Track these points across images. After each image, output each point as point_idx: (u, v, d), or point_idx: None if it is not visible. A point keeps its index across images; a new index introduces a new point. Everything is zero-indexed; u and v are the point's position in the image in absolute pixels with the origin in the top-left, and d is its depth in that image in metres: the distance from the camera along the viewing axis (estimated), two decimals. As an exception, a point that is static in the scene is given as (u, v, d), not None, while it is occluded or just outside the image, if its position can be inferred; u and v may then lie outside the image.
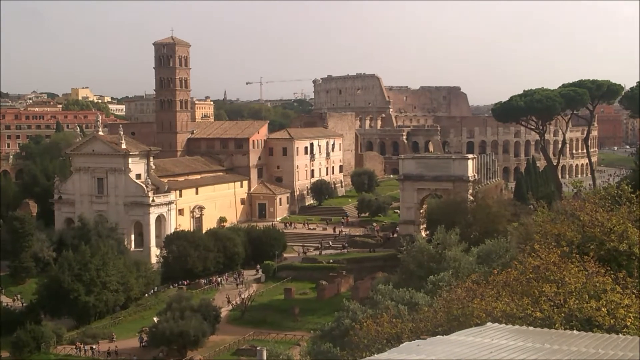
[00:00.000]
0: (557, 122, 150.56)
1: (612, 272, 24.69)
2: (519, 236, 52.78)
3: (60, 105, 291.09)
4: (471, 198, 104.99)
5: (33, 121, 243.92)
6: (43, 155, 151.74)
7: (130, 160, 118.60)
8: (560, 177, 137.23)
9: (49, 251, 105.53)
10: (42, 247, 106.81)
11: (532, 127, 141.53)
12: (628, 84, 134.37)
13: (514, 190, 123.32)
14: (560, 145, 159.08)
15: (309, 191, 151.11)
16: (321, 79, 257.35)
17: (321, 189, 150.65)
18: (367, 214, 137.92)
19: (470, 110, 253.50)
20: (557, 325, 19.07)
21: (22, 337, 79.41)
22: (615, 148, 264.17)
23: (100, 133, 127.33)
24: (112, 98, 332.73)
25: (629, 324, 19.71)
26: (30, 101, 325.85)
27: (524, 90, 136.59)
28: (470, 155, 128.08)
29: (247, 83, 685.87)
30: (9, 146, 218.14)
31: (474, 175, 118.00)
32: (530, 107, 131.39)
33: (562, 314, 21.28)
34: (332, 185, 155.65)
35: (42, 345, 79.60)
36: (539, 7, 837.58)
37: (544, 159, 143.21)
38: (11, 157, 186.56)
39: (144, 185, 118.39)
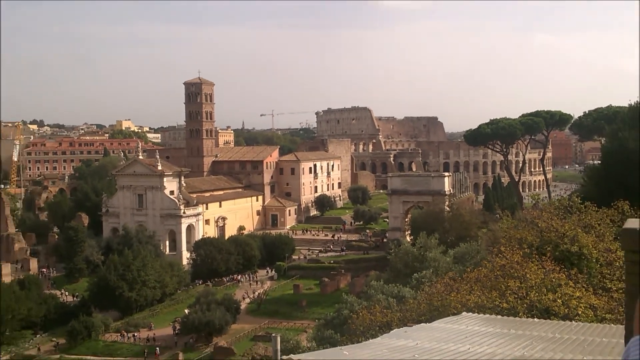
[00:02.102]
0: (518, 145, 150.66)
1: (565, 269, 24.74)
2: (487, 240, 52.70)
3: (107, 135, 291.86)
4: (447, 209, 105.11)
5: (85, 148, 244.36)
6: (93, 176, 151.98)
7: (165, 179, 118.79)
8: (521, 191, 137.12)
9: (98, 255, 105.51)
10: (92, 252, 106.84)
11: (497, 149, 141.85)
12: (577, 113, 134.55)
13: (483, 202, 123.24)
14: (520, 165, 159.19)
15: (313, 204, 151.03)
16: (322, 111, 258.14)
17: (323, 202, 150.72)
18: (361, 222, 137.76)
19: (446, 136, 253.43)
20: (520, 314, 19.06)
21: (76, 327, 79.49)
22: (567, 167, 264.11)
23: (140, 157, 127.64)
24: (149, 128, 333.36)
25: (580, 312, 19.76)
26: (82, 131, 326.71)
27: (490, 120, 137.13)
28: (446, 174, 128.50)
29: (261, 115, 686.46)
30: (65, 168, 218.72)
31: (450, 190, 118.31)
32: (496, 134, 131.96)
33: (525, 305, 21.27)
34: (332, 199, 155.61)
35: (92, 333, 79.67)
36: (503, 49, 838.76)
37: (507, 176, 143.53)
38: (67, 177, 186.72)
39: (176, 200, 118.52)
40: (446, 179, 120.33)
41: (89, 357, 75.44)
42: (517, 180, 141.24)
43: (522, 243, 29.77)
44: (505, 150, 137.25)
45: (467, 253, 59.38)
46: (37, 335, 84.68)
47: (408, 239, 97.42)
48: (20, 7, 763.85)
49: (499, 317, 16.22)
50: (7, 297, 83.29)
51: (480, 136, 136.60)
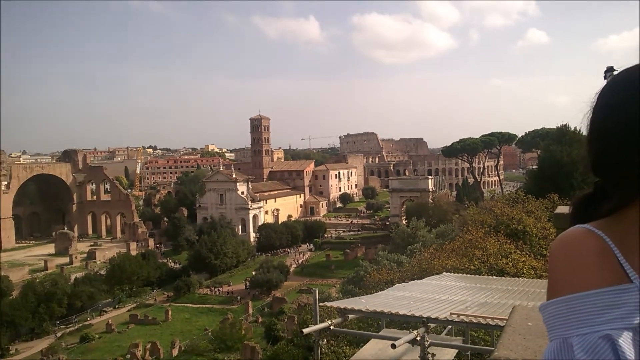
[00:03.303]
0: (479, 156, 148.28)
1: (514, 242, 24.46)
2: (459, 222, 51.99)
3: (199, 154, 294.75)
4: (431, 201, 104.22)
5: (184, 164, 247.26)
6: (190, 183, 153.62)
7: (237, 184, 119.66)
8: (482, 188, 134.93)
9: (194, 236, 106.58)
10: (190, 234, 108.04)
11: (465, 160, 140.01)
12: (520, 133, 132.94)
13: (455, 196, 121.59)
14: (481, 170, 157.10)
15: (338, 199, 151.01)
16: (343, 135, 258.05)
17: (345, 198, 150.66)
18: (371, 211, 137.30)
19: (429, 151, 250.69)
20: (483, 274, 18.79)
21: (179, 284, 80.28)
22: (514, 170, 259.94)
23: (221, 169, 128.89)
24: (227, 149, 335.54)
25: (525, 272, 19.46)
26: (182, 152, 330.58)
27: (460, 139, 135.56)
28: (429, 177, 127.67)
29: (302, 139, 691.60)
30: (171, 178, 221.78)
31: (432, 188, 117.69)
32: (463, 149, 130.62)
33: (486, 267, 20.99)
34: (351, 196, 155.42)
35: (190, 289, 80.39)
36: (467, 89, 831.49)
37: (472, 178, 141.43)
38: (172, 184, 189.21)
39: (245, 198, 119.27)
40: (430, 181, 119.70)
41: (188, 305, 76.09)
42: (479, 180, 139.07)
43: (484, 224, 29.43)
44: (470, 160, 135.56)
45: (445, 231, 58.62)
46: (154, 290, 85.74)
47: (404, 222, 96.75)
48: (131, 67, 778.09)
49: (469, 275, 16.03)
50: (134, 264, 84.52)
51: (453, 150, 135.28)
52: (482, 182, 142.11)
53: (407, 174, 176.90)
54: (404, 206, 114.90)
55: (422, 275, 20.91)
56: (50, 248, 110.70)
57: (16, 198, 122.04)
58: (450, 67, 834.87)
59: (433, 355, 6.88)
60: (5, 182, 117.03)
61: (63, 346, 61.32)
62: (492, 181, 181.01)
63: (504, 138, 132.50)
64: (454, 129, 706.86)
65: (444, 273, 15.82)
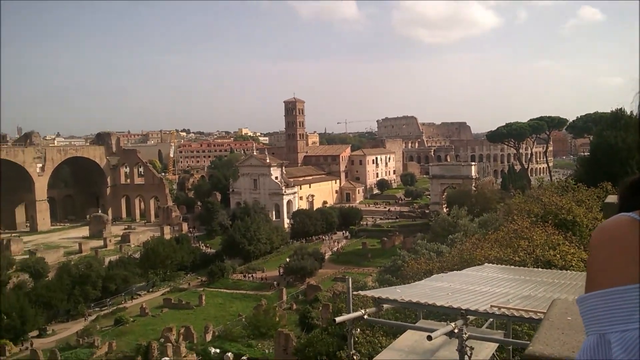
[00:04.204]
0: (527, 142, 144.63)
1: (563, 233, 23.93)
2: (504, 211, 51.08)
3: (232, 138, 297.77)
4: (474, 188, 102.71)
5: (217, 147, 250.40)
6: (223, 167, 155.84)
7: (271, 169, 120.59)
8: (529, 175, 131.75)
9: (227, 221, 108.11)
10: (223, 218, 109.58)
11: (511, 145, 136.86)
12: (571, 117, 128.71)
13: (501, 184, 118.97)
14: (529, 156, 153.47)
15: (375, 185, 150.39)
16: (381, 119, 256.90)
17: (382, 184, 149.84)
18: (410, 198, 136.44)
19: (472, 136, 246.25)
20: (528, 265, 18.50)
21: (213, 269, 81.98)
22: (564, 157, 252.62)
23: (254, 154, 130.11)
24: (261, 133, 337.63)
25: (574, 264, 19.04)
26: (216, 136, 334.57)
27: (506, 123, 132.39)
28: (472, 163, 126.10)
29: (338, 123, 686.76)
30: (204, 162, 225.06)
31: (475, 175, 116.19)
32: (510, 133, 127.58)
33: (532, 259, 20.65)
34: (389, 182, 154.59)
35: (224, 274, 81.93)
36: (515, 71, 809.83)
37: (519, 165, 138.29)
38: (206, 168, 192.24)
39: (279, 183, 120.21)
40: (473, 167, 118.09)
41: (222, 290, 77.65)
42: (526, 167, 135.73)
43: (530, 213, 28.88)
44: (517, 145, 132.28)
45: (488, 220, 57.81)
46: (187, 275, 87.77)
47: (444, 210, 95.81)
48: (173, 55, 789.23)
49: (512, 267, 15.81)
50: (168, 249, 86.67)
51: (498, 135, 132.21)
52: (529, 169, 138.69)
53: (448, 159, 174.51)
54: (445, 194, 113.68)
55: (463, 265, 20.72)
56: (84, 231, 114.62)
57: (51, 181, 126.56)
58: (495, 47, 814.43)
59: (471, 348, 6.87)
60: (40, 165, 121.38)
61: (98, 328, 63.76)
62: (540, 168, 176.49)
63: (554, 122, 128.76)
64: (500, 112, 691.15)
65: (486, 264, 15.65)
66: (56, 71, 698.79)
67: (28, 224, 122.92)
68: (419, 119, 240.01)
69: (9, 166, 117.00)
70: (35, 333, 65.65)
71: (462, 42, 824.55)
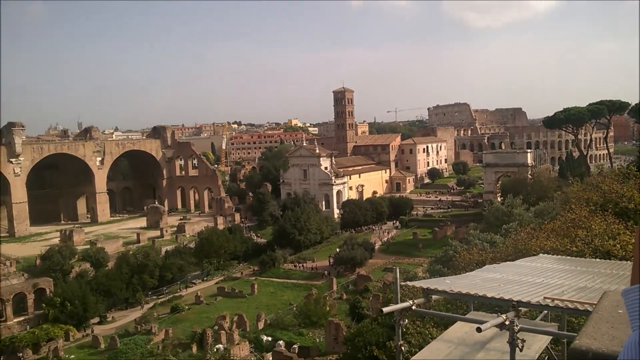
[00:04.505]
0: (586, 127, 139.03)
1: (623, 221, 22.89)
2: (561, 200, 49.37)
3: (282, 129, 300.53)
4: (529, 177, 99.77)
5: (267, 139, 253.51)
6: (273, 158, 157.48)
7: (321, 159, 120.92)
8: (588, 162, 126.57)
9: (278, 211, 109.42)
10: (274, 209, 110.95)
11: (569, 131, 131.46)
12: (634, 101, 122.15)
13: (558, 171, 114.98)
14: (588, 142, 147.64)
15: (426, 174, 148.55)
16: (432, 107, 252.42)
17: (433, 173, 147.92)
18: (462, 187, 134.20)
19: (528, 122, 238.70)
20: (586, 256, 17.79)
21: (264, 259, 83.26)
22: (626, 143, 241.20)
23: (304, 144, 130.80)
24: (310, 123, 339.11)
25: (635, 255, 18.16)
26: (266, 127, 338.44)
27: (564, 108, 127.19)
28: (528, 150, 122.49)
29: (387, 111, 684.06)
30: (255, 153, 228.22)
31: (531, 163, 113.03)
32: (568, 119, 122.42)
33: (590, 249, 19.89)
34: (440, 171, 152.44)
35: (275, 263, 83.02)
36: (571, 54, 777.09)
37: (577, 151, 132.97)
38: (257, 159, 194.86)
39: (329, 173, 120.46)
40: (528, 154, 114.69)
41: (273, 279, 78.82)
42: (585, 154, 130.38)
43: (589, 202, 27.84)
44: (575, 131, 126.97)
45: (545, 210, 56.13)
46: (240, 264, 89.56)
47: (498, 199, 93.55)
48: (219, 50, 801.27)
49: (569, 257, 15.24)
50: (221, 239, 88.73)
51: (556, 121, 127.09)
52: (588, 156, 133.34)
53: (503, 147, 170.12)
54: (499, 182, 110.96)
55: (518, 256, 20.17)
56: (142, 221, 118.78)
57: (110, 173, 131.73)
58: (551, 29, 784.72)
59: (523, 341, 6.66)
60: (100, 158, 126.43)
61: (155, 316, 66.15)
62: (600, 155, 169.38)
63: (615, 107, 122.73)
64: (557, 97, 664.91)
65: (540, 255, 15.16)
66: (115, 68, 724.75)
67: (89, 215, 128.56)
68: (471, 106, 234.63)
69: (70, 160, 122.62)
70: (96, 320, 68.83)
71: (516, 24, 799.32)
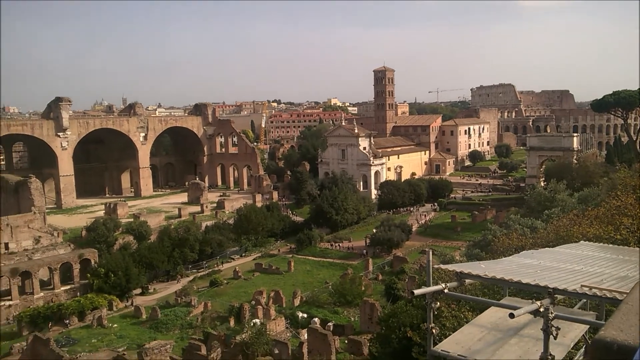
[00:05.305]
0: (636, 111, 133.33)
1: (672, 210, 22.02)
2: (607, 186, 47.89)
3: (321, 108, 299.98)
4: (575, 161, 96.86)
5: (307, 118, 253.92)
6: (312, 137, 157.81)
7: (359, 139, 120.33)
8: (638, 148, 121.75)
9: (315, 190, 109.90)
10: (312, 188, 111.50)
11: (618, 115, 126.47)
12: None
13: (605, 157, 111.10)
14: (638, 127, 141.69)
15: (467, 157, 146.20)
16: (476, 87, 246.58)
17: (474, 156, 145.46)
18: (504, 171, 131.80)
19: (575, 105, 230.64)
20: (631, 245, 17.24)
21: (301, 237, 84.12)
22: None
23: (343, 124, 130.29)
24: (349, 103, 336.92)
25: (683, 245, 17.50)
26: (305, 106, 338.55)
27: (613, 91, 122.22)
28: (575, 134, 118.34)
29: (429, 92, 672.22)
30: (294, 132, 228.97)
31: (577, 147, 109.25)
32: (617, 102, 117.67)
33: (635, 237, 19.26)
34: (482, 153, 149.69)
35: (312, 242, 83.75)
36: (620, 36, 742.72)
37: (626, 136, 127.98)
38: (295, 138, 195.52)
39: (367, 154, 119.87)
40: (575, 138, 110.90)
41: (310, 257, 79.58)
42: (634, 139, 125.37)
43: (636, 189, 26.82)
44: (625, 115, 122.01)
45: (589, 196, 54.67)
46: (277, 241, 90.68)
47: (541, 184, 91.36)
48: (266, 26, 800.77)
49: (611, 245, 14.80)
50: (259, 216, 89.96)
51: (604, 104, 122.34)
52: (637, 142, 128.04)
53: (548, 130, 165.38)
54: (543, 166, 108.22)
55: (558, 242, 19.75)
56: (183, 197, 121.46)
57: (153, 149, 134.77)
58: (603, 10, 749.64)
59: (557, 329, 6.55)
60: (143, 134, 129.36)
61: (194, 289, 67.97)
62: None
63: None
64: (607, 80, 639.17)
65: (582, 242, 14.79)
66: (161, 44, 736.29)
67: (132, 190, 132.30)
68: (516, 87, 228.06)
69: (115, 135, 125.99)
70: (138, 291, 71.22)
71: (566, 4, 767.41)
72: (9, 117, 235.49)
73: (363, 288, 56.17)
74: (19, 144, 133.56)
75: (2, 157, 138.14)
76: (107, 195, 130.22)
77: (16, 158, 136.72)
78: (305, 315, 53.74)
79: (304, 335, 45.37)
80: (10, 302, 65.62)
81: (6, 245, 72.74)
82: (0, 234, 72.97)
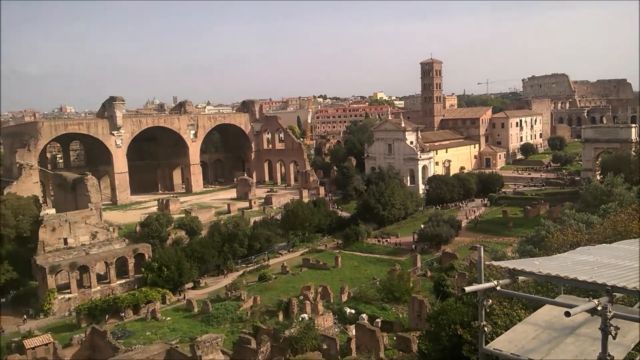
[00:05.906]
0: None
1: None
2: (668, 179, 45.72)
3: (367, 103, 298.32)
4: (633, 154, 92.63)
5: (353, 112, 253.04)
6: (358, 132, 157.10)
7: (406, 133, 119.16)
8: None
9: (362, 185, 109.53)
10: (358, 183, 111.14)
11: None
12: None
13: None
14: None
15: (519, 150, 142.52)
16: (527, 78, 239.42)
17: (527, 149, 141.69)
18: (558, 164, 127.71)
19: (634, 94, 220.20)
20: (695, 241, 16.39)
21: (348, 232, 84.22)
22: None
23: (389, 118, 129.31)
24: (396, 97, 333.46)
25: None
26: (351, 101, 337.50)
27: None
28: (633, 125, 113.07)
29: (478, 83, 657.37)
30: (340, 127, 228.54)
31: (636, 139, 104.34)
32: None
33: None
34: (534, 146, 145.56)
35: (359, 237, 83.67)
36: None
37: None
38: (341, 133, 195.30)
39: (414, 148, 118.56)
40: (633, 129, 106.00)
41: (357, 253, 79.55)
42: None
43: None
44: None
45: (649, 189, 52.28)
46: (324, 237, 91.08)
47: (597, 177, 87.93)
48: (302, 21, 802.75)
49: (675, 242, 14.10)
50: (306, 211, 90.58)
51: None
52: None
53: (604, 121, 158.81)
54: (599, 159, 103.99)
55: (616, 238, 19.03)
56: (232, 192, 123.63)
57: (203, 146, 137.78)
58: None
59: (617, 328, 6.37)
60: (193, 131, 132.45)
61: (244, 283, 69.25)
62: None
63: None
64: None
65: (642, 238, 14.20)
66: (210, 44, 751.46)
67: (184, 186, 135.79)
68: (570, 77, 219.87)
69: (167, 132, 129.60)
70: (190, 285, 73.20)
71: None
72: (66, 116, 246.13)
73: (411, 284, 55.74)
74: (76, 142, 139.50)
75: (60, 156, 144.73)
76: (160, 191, 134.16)
77: (73, 156, 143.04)
78: (353, 311, 53.86)
79: (352, 331, 45.49)
80: (70, 295, 68.83)
81: (65, 240, 76.15)
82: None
